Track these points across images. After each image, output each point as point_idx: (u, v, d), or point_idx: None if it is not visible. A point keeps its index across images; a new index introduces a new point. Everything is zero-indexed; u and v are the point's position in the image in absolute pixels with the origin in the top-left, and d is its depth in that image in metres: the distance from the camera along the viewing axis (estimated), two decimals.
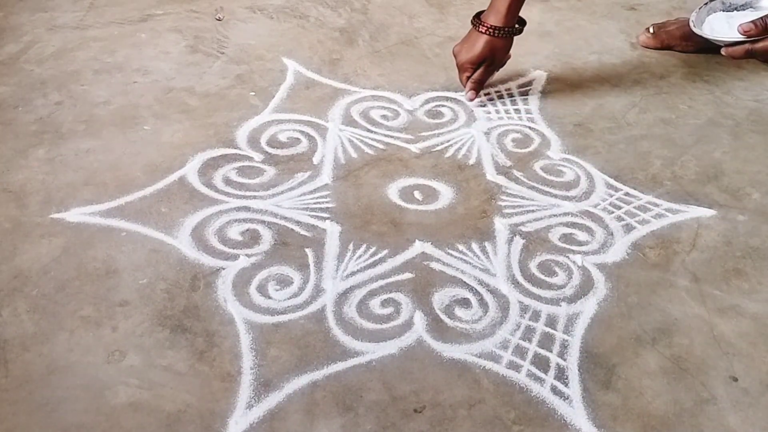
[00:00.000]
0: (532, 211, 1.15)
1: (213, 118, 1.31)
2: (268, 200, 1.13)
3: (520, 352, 0.92)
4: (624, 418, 0.85)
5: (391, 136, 1.29)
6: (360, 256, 1.04)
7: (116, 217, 1.08)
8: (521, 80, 1.47)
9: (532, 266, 1.05)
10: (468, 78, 1.35)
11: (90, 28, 1.58)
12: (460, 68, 1.35)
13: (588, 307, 0.99)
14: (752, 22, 0.99)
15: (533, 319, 0.97)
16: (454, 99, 1.40)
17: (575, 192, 1.19)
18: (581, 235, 1.10)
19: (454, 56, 1.35)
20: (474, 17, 1.31)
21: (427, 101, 1.39)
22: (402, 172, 1.21)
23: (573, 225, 1.12)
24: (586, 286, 1.02)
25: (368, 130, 1.31)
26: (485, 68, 1.34)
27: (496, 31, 1.28)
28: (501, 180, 1.20)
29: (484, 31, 1.28)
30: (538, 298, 1.00)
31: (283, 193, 1.15)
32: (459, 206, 1.15)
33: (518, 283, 1.02)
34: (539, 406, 0.86)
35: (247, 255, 1.03)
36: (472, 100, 1.37)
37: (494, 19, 1.27)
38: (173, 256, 1.03)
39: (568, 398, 0.87)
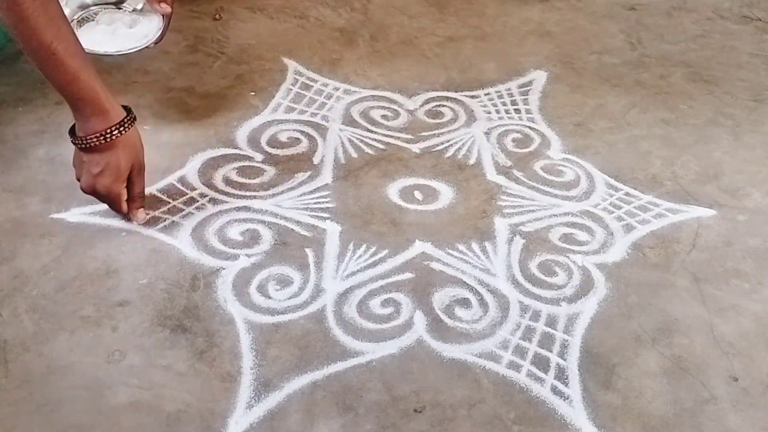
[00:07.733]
0: (533, 211, 1.15)
1: (213, 118, 1.31)
2: (269, 200, 1.13)
3: (520, 352, 0.92)
4: (624, 418, 0.85)
5: (391, 136, 1.29)
6: (360, 256, 1.04)
7: (116, 217, 1.07)
8: (521, 80, 1.47)
9: (533, 266, 1.05)
10: (128, 199, 1.05)
11: None
12: (113, 198, 1.02)
13: (588, 307, 0.99)
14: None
15: (533, 319, 0.97)
16: (454, 99, 1.40)
17: (575, 192, 1.19)
18: (581, 235, 1.10)
19: (94, 194, 1.02)
20: (72, 135, 0.99)
21: (427, 101, 1.39)
22: (402, 172, 1.21)
23: (573, 225, 1.12)
24: (586, 286, 1.02)
25: (368, 130, 1.30)
26: (135, 175, 1.03)
27: (122, 128, 0.98)
28: (501, 180, 1.20)
29: (110, 138, 0.97)
30: (538, 298, 1.00)
31: (283, 193, 1.15)
32: (459, 206, 1.15)
33: (518, 283, 1.02)
34: (539, 406, 0.86)
35: (247, 255, 1.03)
36: (146, 218, 1.07)
37: (103, 122, 0.97)
38: (173, 256, 1.02)
39: (568, 398, 0.87)
